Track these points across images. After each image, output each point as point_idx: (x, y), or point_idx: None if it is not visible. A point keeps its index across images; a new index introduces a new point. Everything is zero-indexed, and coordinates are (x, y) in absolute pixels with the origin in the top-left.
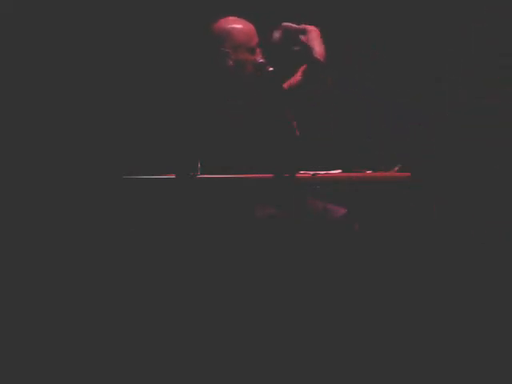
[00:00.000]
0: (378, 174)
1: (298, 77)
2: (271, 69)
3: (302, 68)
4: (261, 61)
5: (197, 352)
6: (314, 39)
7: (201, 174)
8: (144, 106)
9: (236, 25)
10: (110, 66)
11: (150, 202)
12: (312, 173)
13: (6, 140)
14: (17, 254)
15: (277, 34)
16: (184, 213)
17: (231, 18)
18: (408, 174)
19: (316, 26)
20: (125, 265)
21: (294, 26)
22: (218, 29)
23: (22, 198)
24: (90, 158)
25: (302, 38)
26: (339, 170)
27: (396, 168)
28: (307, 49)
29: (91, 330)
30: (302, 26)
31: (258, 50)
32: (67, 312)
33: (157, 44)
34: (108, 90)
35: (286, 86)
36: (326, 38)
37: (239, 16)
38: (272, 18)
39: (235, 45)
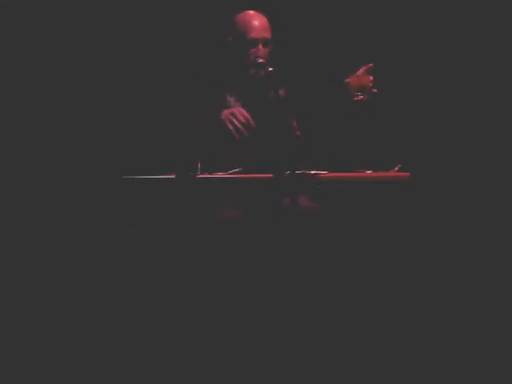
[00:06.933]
0: (378, 173)
1: None
2: (271, 69)
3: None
4: (261, 61)
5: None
6: None
7: (201, 173)
8: (144, 106)
9: (243, 16)
10: (109, 66)
11: (150, 201)
12: (312, 173)
13: (6, 141)
14: (17, 253)
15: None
16: (184, 213)
17: (248, 11)
18: (408, 173)
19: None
20: (125, 264)
21: None
22: (228, 20)
23: (23, 198)
24: (90, 158)
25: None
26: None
27: (396, 168)
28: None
29: (91, 330)
30: None
31: (260, 46)
32: (67, 312)
33: (157, 44)
34: (108, 90)
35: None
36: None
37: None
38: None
39: (236, 35)
